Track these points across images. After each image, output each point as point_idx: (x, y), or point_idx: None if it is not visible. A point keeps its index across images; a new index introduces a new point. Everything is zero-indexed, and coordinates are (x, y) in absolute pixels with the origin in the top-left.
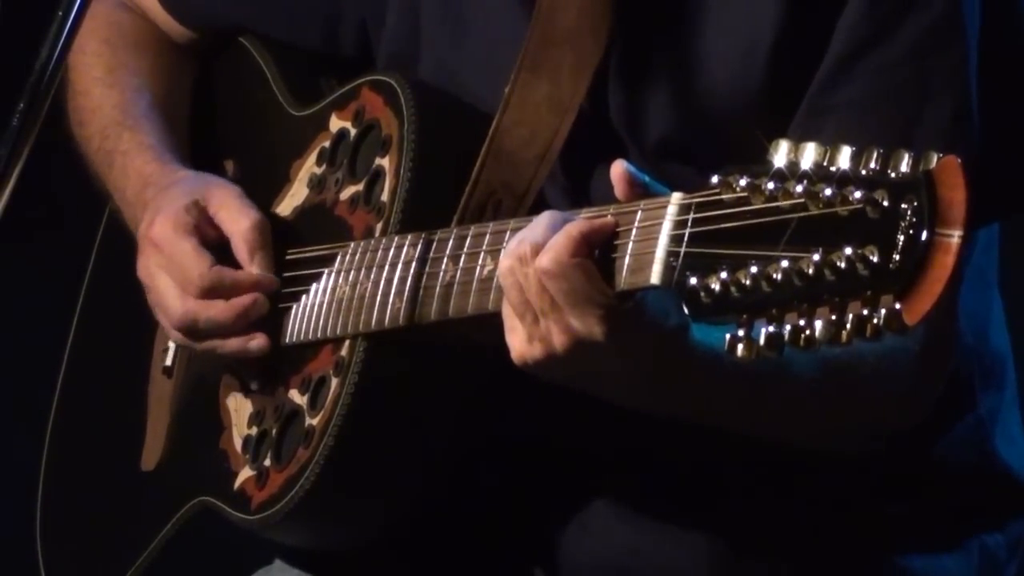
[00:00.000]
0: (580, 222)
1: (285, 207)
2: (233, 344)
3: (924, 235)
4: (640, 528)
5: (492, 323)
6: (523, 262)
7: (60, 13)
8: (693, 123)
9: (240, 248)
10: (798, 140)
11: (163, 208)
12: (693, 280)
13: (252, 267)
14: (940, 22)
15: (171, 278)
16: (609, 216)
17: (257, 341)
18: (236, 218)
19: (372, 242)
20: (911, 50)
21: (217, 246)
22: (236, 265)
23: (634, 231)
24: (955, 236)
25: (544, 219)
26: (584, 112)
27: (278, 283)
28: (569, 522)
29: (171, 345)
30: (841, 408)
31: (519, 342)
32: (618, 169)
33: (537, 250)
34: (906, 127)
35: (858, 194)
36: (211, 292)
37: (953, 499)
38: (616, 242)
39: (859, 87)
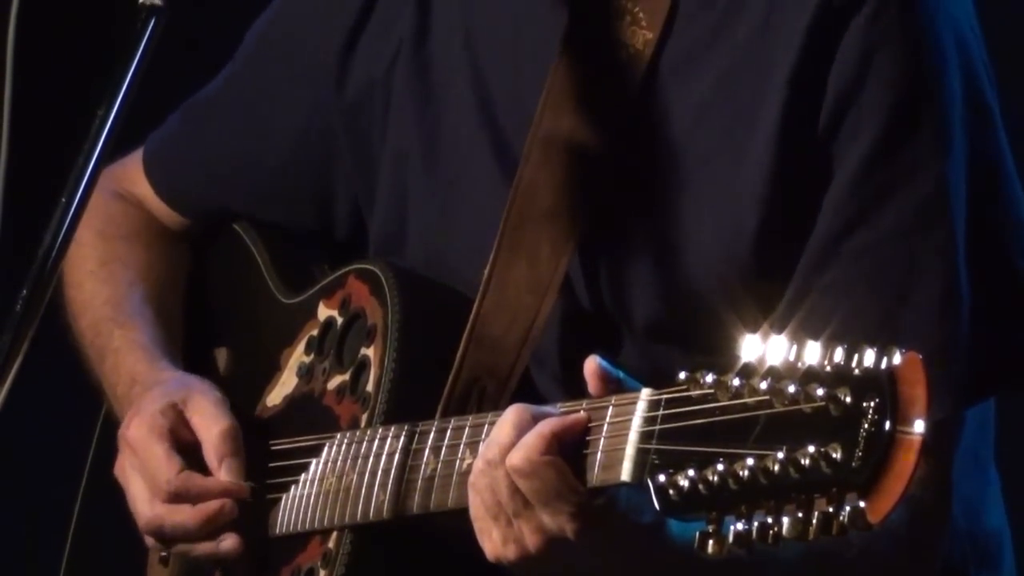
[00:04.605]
0: (552, 421)
1: (275, 396)
2: (205, 547)
3: (885, 432)
4: None
5: None
6: (492, 465)
7: (63, 200)
8: (679, 305)
9: (210, 455)
10: (782, 321)
11: (142, 409)
12: (662, 477)
13: (220, 474)
14: (926, 201)
15: (143, 480)
16: (581, 412)
17: (228, 543)
18: (208, 425)
19: (357, 433)
20: (898, 229)
21: (192, 450)
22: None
23: (605, 427)
24: (916, 433)
25: (509, 418)
26: (568, 295)
27: (247, 489)
28: None
29: None
30: None
31: (493, 544)
32: (591, 365)
33: (505, 451)
34: (895, 307)
35: (821, 392)
36: (178, 497)
37: None
38: (588, 437)
39: (846, 268)
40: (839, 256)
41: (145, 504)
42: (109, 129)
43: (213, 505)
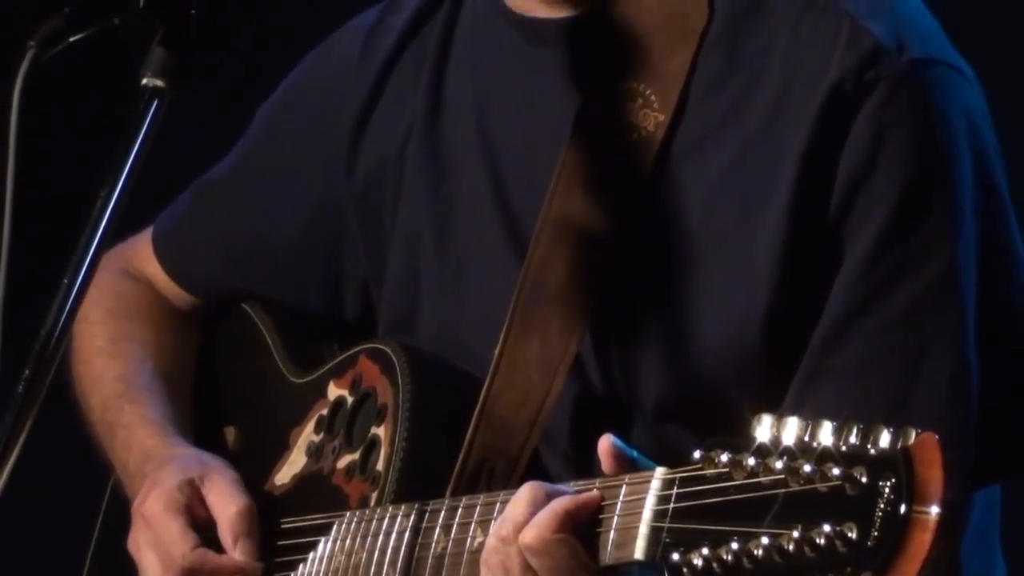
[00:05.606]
0: (565, 499)
1: (284, 475)
2: None
3: (901, 513)
4: None
5: None
6: (505, 542)
7: (66, 281)
8: (690, 387)
9: (225, 534)
10: (793, 404)
11: (157, 484)
12: (676, 556)
13: (235, 553)
14: (936, 283)
15: (156, 556)
16: (595, 490)
17: None
18: (224, 503)
19: (367, 511)
20: (907, 312)
21: (207, 527)
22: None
23: (619, 505)
24: (932, 513)
25: (524, 496)
26: (579, 375)
27: (260, 569)
28: None
29: None
30: None
31: None
32: (605, 444)
33: (518, 529)
34: (904, 389)
35: (837, 471)
36: (191, 574)
37: None
38: (601, 516)
39: (856, 349)
40: (850, 338)
41: None
42: (111, 211)
43: None
